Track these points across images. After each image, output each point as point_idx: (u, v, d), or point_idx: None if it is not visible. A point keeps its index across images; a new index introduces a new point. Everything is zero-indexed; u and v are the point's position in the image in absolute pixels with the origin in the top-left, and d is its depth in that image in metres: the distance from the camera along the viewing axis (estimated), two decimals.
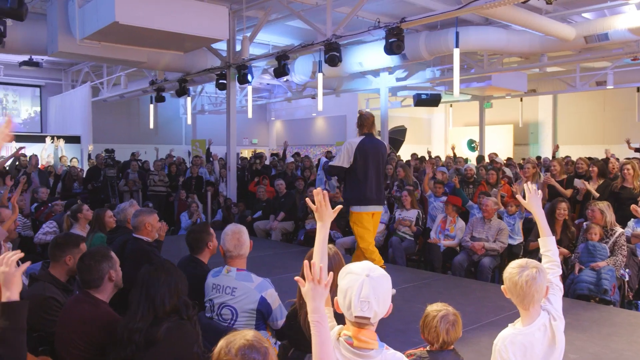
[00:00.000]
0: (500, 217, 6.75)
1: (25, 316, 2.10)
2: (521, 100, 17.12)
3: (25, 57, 13.71)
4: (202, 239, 3.75)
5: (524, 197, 2.62)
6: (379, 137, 5.57)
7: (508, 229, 6.48)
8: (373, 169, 5.14)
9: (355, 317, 1.82)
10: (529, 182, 2.72)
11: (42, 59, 14.91)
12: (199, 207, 10.21)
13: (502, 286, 2.30)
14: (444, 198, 7.47)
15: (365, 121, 5.27)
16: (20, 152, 8.09)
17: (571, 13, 9.72)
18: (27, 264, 2.18)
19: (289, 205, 9.06)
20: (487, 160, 12.94)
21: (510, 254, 6.39)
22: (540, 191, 2.64)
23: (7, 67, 16.42)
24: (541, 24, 8.52)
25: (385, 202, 7.77)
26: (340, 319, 2.02)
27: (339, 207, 2.26)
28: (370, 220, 5.19)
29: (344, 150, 5.14)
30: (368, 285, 1.81)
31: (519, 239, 6.65)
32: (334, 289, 2.27)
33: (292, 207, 9.11)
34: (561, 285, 2.41)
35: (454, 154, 12.57)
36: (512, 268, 2.24)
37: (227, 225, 3.43)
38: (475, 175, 8.40)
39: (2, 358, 2.01)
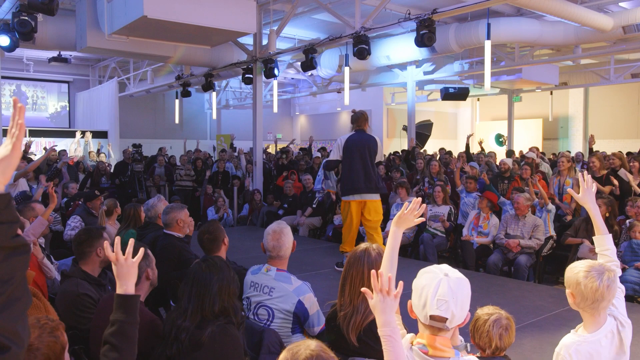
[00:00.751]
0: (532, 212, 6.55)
1: (138, 309, 2.07)
2: (551, 93, 16.72)
3: (54, 53, 13.86)
4: (218, 237, 3.64)
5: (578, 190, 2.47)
6: (370, 133, 6.05)
7: (544, 225, 6.27)
8: (359, 161, 5.64)
9: (431, 316, 1.73)
10: (584, 172, 2.55)
11: (71, 55, 15.07)
12: (226, 202, 10.19)
13: (567, 291, 2.12)
14: (476, 194, 7.28)
15: (356, 119, 5.88)
16: (51, 152, 8.13)
17: (607, 2, 9.40)
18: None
19: (312, 200, 8.96)
20: (516, 155, 12.68)
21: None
22: (594, 184, 2.48)
23: (36, 64, 16.65)
24: (578, 14, 8.23)
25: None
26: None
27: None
28: (355, 209, 5.71)
29: (336, 145, 5.80)
30: (446, 284, 1.73)
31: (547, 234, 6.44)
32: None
33: (320, 202, 9.00)
34: (623, 287, 2.24)
35: (482, 148, 12.28)
36: (586, 272, 2.04)
37: (271, 224, 3.29)
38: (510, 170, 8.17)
39: (121, 351, 1.98)
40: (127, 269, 2.03)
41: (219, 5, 7.81)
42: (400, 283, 1.75)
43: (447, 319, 1.72)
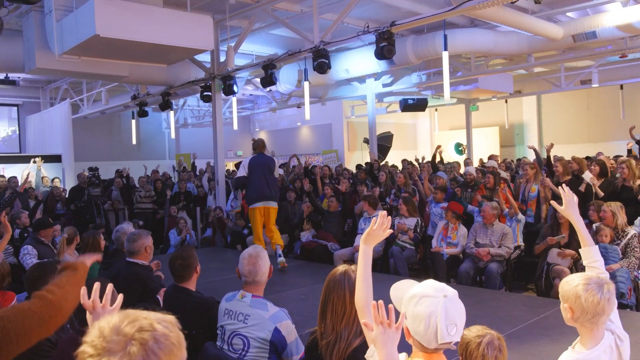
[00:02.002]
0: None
1: None
2: (506, 101, 17.11)
3: (1, 76, 13.29)
4: (191, 264, 3.44)
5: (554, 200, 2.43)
6: (268, 154, 7.64)
7: (513, 234, 6.31)
8: (261, 176, 6.92)
9: (441, 344, 1.65)
10: (564, 185, 2.51)
11: (19, 77, 14.50)
12: (188, 223, 9.91)
13: (563, 305, 2.04)
14: (445, 204, 7.29)
15: (257, 146, 7.27)
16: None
17: (556, 12, 9.68)
18: (120, 300, 1.82)
19: (282, 218, 8.79)
20: (477, 164, 12.84)
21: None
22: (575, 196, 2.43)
23: None
24: (531, 24, 8.44)
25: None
26: None
27: (389, 231, 2.14)
28: (259, 214, 6.97)
29: (242, 166, 7.03)
30: (451, 306, 1.66)
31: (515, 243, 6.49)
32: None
33: (286, 219, 8.85)
34: (616, 300, 2.18)
35: (441, 157, 12.12)
36: (585, 284, 1.97)
37: (247, 248, 3.14)
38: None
39: None
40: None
41: (174, 22, 7.61)
42: (402, 314, 1.69)
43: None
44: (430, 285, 1.74)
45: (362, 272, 2.06)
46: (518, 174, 12.00)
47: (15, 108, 17.59)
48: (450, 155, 18.06)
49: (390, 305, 1.64)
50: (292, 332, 2.85)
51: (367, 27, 7.93)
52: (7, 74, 13.11)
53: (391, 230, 2.13)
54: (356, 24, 9.54)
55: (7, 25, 9.73)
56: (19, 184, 9.05)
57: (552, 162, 7.73)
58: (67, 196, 10.88)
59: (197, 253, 8.79)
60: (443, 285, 1.74)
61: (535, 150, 8.12)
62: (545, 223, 6.58)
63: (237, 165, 7.39)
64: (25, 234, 6.79)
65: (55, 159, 14.36)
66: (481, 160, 13.67)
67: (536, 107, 18.65)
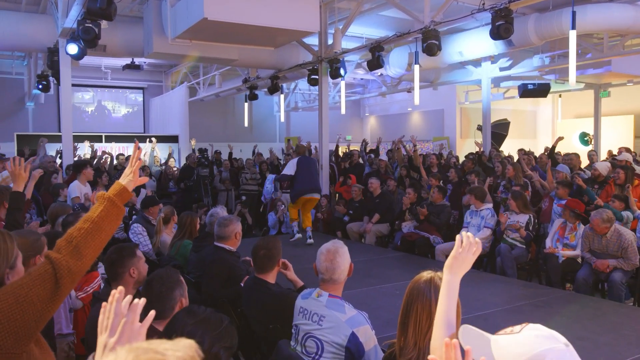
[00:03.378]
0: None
1: None
2: None
3: (128, 61, 14.22)
4: (274, 256, 3.28)
5: None
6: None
7: (635, 244, 5.45)
8: (310, 172, 7.81)
9: None
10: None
11: (145, 62, 15.44)
12: (285, 204, 9.94)
13: None
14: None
15: (301, 150, 8.96)
16: (105, 154, 8.13)
17: None
18: (151, 317, 1.42)
19: (384, 207, 8.50)
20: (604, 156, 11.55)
21: None
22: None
23: (113, 72, 17.24)
24: None
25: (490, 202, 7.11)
26: None
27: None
28: (304, 201, 7.80)
29: (290, 164, 7.79)
30: (575, 356, 1.29)
31: None
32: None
33: (388, 209, 8.53)
34: None
35: (554, 147, 10.68)
36: None
37: (325, 243, 2.86)
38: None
39: None
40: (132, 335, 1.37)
41: (281, 4, 7.55)
42: (469, 349, 1.27)
43: None
44: (544, 334, 1.30)
45: (444, 311, 1.65)
46: None
47: (141, 91, 18.84)
48: (574, 146, 16.55)
49: (467, 348, 1.26)
50: (371, 339, 2.58)
51: (483, 4, 7.31)
52: (132, 59, 14.00)
53: (481, 248, 1.70)
54: (471, 2, 8.86)
55: (131, 12, 10.33)
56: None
57: None
58: (178, 175, 11.40)
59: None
60: (552, 332, 1.32)
61: None
62: None
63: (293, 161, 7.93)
64: (134, 212, 7.11)
65: (172, 139, 15.16)
66: (610, 152, 12.29)
67: None
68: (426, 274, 2.15)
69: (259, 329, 3.16)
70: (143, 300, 1.41)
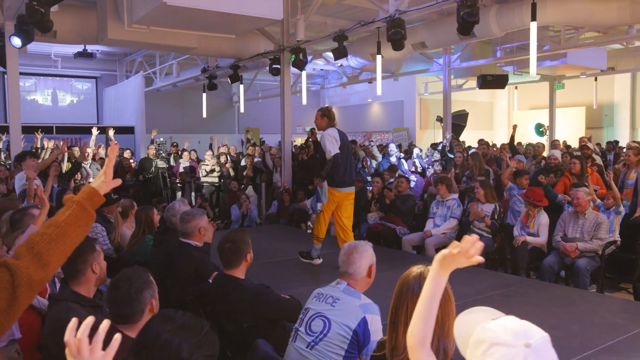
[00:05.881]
0: None
1: None
2: (596, 79, 15.71)
3: (79, 48, 13.59)
4: (241, 250, 3.12)
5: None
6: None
7: (608, 222, 5.59)
8: (348, 155, 5.76)
9: None
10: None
11: (97, 50, 14.82)
12: (249, 198, 9.74)
13: None
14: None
15: (334, 117, 5.80)
16: (65, 148, 7.68)
17: None
18: (116, 344, 1.23)
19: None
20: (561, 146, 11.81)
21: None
22: None
23: (64, 60, 16.46)
24: None
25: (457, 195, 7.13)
26: None
27: (479, 259, 1.53)
28: (342, 199, 5.79)
29: (333, 139, 5.49)
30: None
31: (610, 237, 5.75)
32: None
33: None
34: None
35: (513, 137, 11.00)
36: None
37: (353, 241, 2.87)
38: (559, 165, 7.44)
39: None
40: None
41: None
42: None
43: None
44: (508, 326, 1.25)
45: (427, 303, 1.55)
46: (606, 158, 10.95)
47: (92, 80, 18.11)
48: (529, 137, 16.94)
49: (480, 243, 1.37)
50: (378, 330, 2.54)
51: None
52: (85, 47, 13.39)
53: (481, 259, 1.55)
54: None
55: None
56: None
57: None
58: (136, 167, 11.01)
59: (261, 230, 8.55)
60: (527, 326, 1.24)
61: None
62: None
63: (312, 141, 6.10)
64: None
65: (128, 130, 14.65)
66: (565, 142, 12.60)
67: (630, 86, 17.02)
68: (416, 269, 2.04)
69: (231, 328, 3.00)
70: (118, 336, 1.23)
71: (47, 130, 12.90)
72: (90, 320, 1.22)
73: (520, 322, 1.27)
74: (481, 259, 1.51)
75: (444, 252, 1.56)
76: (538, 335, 1.22)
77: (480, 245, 1.51)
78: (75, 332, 1.21)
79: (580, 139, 9.51)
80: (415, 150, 11.66)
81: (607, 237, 5.52)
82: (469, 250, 1.50)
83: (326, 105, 5.89)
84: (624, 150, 6.37)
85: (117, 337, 1.22)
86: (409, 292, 1.98)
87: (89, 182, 1.81)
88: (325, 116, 5.66)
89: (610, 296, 5.35)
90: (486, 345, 1.23)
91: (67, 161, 8.50)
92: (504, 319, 1.30)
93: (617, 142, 14.09)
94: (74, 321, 1.22)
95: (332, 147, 5.47)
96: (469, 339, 1.31)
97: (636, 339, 3.61)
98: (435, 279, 1.56)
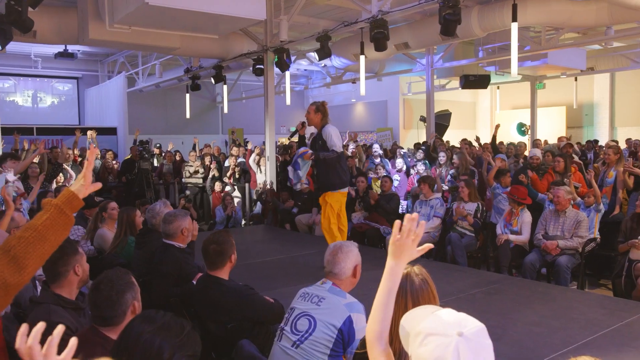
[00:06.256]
0: None
1: None
2: (576, 79, 15.95)
3: (60, 48, 13.43)
4: (225, 251, 3.11)
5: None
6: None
7: (587, 220, 5.68)
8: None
9: None
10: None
11: (78, 51, 14.66)
12: (234, 199, 9.71)
13: None
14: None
15: (325, 111, 5.65)
16: (43, 148, 7.58)
17: None
18: (71, 352, 1.22)
19: None
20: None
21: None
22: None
23: (44, 60, 16.24)
24: None
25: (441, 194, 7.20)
26: None
27: (428, 245, 1.65)
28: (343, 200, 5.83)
29: (336, 136, 5.50)
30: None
31: (590, 235, 5.85)
32: None
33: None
34: None
35: (495, 136, 11.12)
36: None
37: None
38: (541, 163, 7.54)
39: None
40: None
41: None
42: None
43: None
44: (443, 318, 1.29)
45: (384, 295, 1.61)
46: (586, 157, 11.11)
47: (73, 80, 17.89)
48: (512, 136, 17.14)
49: (422, 222, 1.47)
50: (363, 330, 2.51)
51: None
52: (66, 47, 13.23)
53: (430, 245, 1.61)
54: None
55: None
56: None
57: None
58: (119, 169, 10.91)
59: (245, 230, 8.51)
60: (462, 317, 1.29)
61: None
62: (625, 215, 5.91)
63: (296, 138, 6.00)
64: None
65: (110, 131, 14.51)
66: (546, 142, 12.77)
67: (609, 86, 17.31)
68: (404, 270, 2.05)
69: (215, 328, 2.99)
70: (60, 327, 1.21)
71: (27, 131, 12.74)
72: (41, 326, 1.20)
73: (457, 314, 1.31)
74: (430, 245, 1.59)
75: (390, 243, 1.59)
76: (472, 325, 1.25)
77: (422, 223, 1.55)
78: (27, 338, 1.19)
79: (559, 139, 9.65)
80: (402, 151, 11.72)
81: (587, 234, 5.62)
82: (411, 228, 1.53)
83: (321, 100, 5.69)
84: (604, 149, 6.45)
85: (73, 341, 1.20)
86: (398, 292, 1.99)
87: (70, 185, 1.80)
88: (320, 111, 5.60)
89: (590, 292, 5.45)
90: (422, 336, 1.27)
91: (48, 162, 8.40)
92: (442, 311, 1.34)
93: (596, 141, 14.34)
94: (24, 327, 1.20)
95: (339, 142, 5.55)
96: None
97: (615, 334, 3.68)
98: (390, 269, 1.60)
